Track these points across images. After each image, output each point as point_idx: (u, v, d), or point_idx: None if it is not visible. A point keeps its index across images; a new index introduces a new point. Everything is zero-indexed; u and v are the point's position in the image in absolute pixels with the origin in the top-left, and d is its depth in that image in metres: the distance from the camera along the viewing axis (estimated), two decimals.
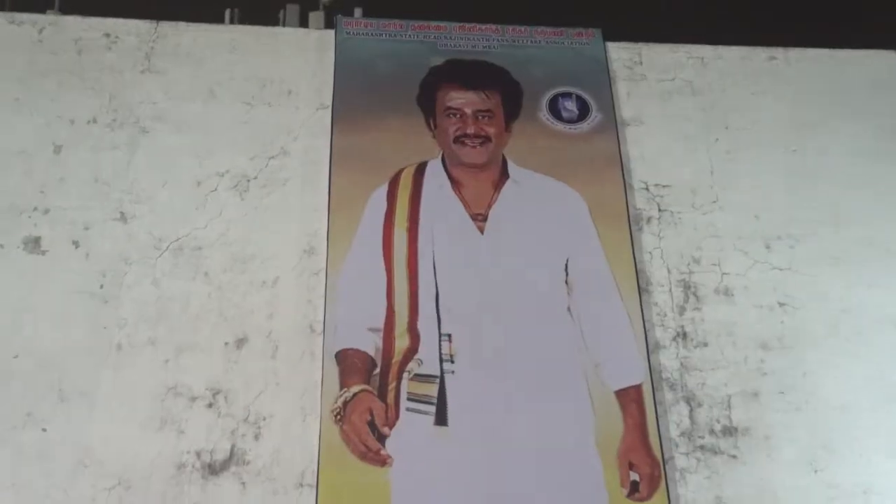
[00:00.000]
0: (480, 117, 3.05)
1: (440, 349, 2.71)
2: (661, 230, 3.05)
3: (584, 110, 3.18)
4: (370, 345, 2.70)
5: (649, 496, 2.58)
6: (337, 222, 2.88)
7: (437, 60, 3.22)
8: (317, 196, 2.97)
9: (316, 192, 2.98)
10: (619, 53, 3.39)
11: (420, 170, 3.01)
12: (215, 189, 3.00)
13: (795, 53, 3.47)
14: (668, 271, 2.98)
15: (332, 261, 2.82)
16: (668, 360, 2.83)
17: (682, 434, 2.72)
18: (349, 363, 2.67)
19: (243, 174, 3.03)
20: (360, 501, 2.51)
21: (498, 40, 3.32)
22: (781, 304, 2.94)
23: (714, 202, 3.12)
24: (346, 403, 2.60)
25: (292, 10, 3.70)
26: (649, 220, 3.06)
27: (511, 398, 2.66)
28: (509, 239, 2.91)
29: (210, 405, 2.65)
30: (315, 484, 2.52)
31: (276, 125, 3.13)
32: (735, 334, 2.88)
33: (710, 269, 2.99)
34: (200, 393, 2.67)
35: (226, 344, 2.74)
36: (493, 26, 3.35)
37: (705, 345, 2.86)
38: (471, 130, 3.03)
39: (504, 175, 3.02)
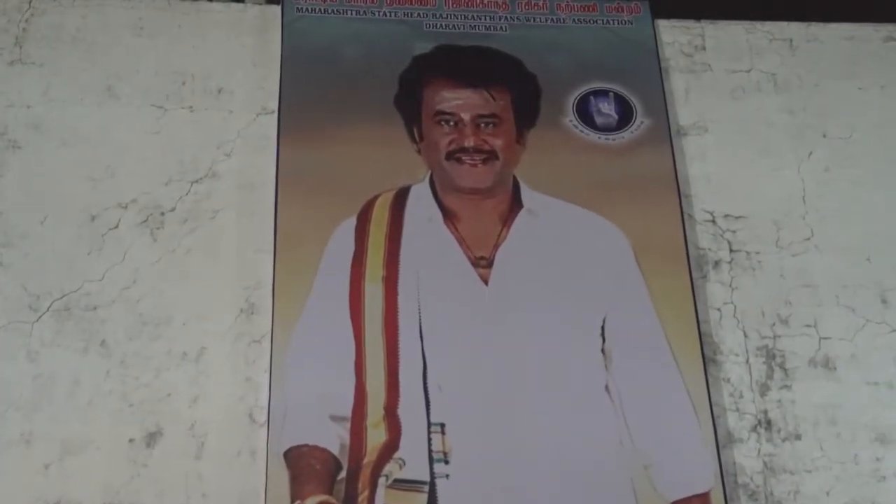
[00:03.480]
0: (483, 125, 3.17)
1: (430, 445, 2.80)
2: (733, 278, 3.18)
3: (625, 114, 3.33)
4: (333, 439, 2.79)
5: None
6: (286, 271, 2.99)
7: (424, 47, 3.37)
8: (259, 234, 3.09)
9: (257, 228, 3.10)
10: (675, 35, 3.57)
11: (400, 198, 3.13)
12: (116, 226, 3.11)
13: None
14: (745, 335, 3.09)
15: (279, 323, 2.91)
16: (746, 458, 2.93)
17: None
18: (304, 465, 2.75)
19: (156, 205, 3.15)
20: None
21: (506, 18, 3.47)
22: None
23: (807, 239, 3.25)
24: None
25: None
26: (717, 264, 3.20)
27: None
28: (523, 292, 3.02)
29: None
30: None
31: (202, 137, 3.26)
32: (840, 423, 2.99)
33: (804, 332, 3.11)
34: None
35: (131, 441, 2.83)
36: None
37: (798, 437, 2.97)
38: (470, 143, 3.15)
39: (516, 204, 3.14)
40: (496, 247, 3.06)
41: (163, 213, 3.14)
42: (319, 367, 2.88)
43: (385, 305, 2.95)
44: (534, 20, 3.48)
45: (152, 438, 2.83)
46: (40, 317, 2.97)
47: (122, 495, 2.76)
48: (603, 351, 2.96)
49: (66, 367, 2.90)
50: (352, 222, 3.07)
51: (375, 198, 3.11)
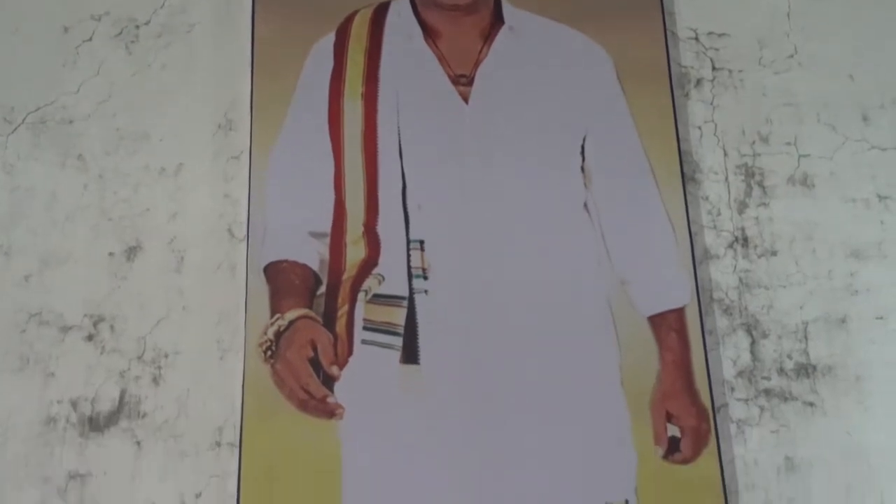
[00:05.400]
0: None
1: (409, 261, 2.85)
2: (715, 96, 3.18)
3: None
4: (312, 255, 2.84)
5: (694, 457, 2.73)
6: (264, 86, 3.00)
7: None
8: (235, 50, 3.09)
9: (234, 43, 3.10)
10: None
11: (380, 14, 3.11)
12: (90, 38, 3.12)
13: None
14: (725, 153, 3.11)
15: (257, 140, 2.94)
16: (722, 274, 2.98)
17: (741, 374, 2.89)
18: (284, 280, 2.81)
19: (130, 17, 3.14)
20: (300, 466, 2.66)
21: None
22: (882, 198, 3.09)
23: (790, 57, 3.24)
24: (279, 335, 2.74)
25: None
26: (699, 82, 3.20)
27: (505, 327, 2.81)
28: (504, 109, 3.02)
29: (90, 337, 2.81)
30: (237, 443, 2.67)
31: None
32: (816, 239, 3.03)
33: (783, 150, 3.12)
34: (76, 321, 2.82)
35: (111, 254, 2.89)
36: None
37: (774, 253, 3.01)
38: None
39: (497, 21, 3.12)
40: (477, 64, 3.06)
41: (137, 27, 3.13)
42: (298, 184, 2.91)
43: (364, 122, 2.97)
44: None
45: (132, 252, 2.89)
46: (15, 129, 2.99)
47: (102, 307, 2.83)
48: (583, 169, 2.99)
49: (44, 181, 2.94)
50: (330, 38, 3.06)
51: (354, 14, 3.10)
